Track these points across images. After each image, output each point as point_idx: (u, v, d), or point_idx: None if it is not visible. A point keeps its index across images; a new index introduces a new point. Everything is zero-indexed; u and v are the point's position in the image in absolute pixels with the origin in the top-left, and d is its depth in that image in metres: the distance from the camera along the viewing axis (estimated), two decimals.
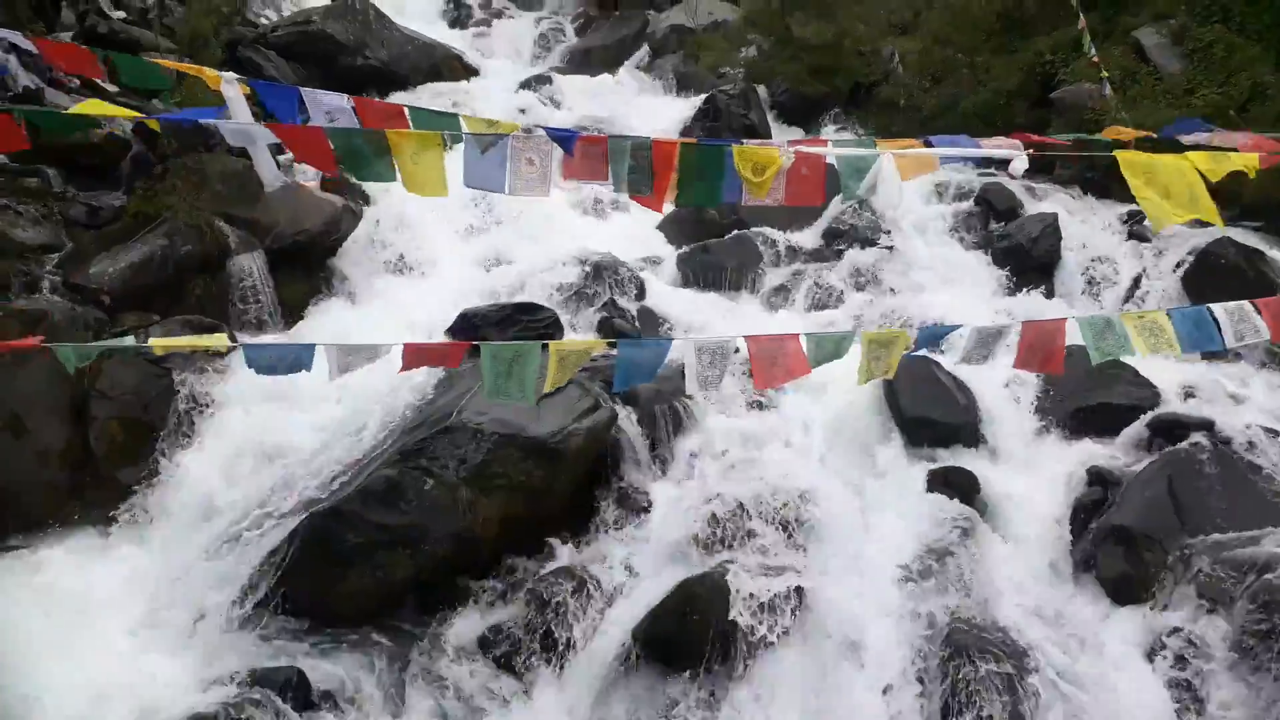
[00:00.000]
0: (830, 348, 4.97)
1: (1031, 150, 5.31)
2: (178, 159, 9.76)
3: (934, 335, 5.41)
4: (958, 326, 5.14)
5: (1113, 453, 7.10)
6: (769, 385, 5.63)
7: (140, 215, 9.32)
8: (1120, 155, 4.74)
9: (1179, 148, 5.43)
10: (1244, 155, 4.78)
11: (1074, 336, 5.16)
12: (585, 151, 4.81)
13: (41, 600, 6.36)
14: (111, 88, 12.26)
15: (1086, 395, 7.54)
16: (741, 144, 4.96)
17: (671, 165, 4.86)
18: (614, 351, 5.09)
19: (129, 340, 4.62)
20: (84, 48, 5.41)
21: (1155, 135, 5.18)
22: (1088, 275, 10.12)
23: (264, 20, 16.66)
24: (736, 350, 5.06)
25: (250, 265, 9.50)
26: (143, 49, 13.30)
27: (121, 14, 14.99)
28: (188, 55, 13.54)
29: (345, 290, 10.27)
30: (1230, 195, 10.93)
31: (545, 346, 4.87)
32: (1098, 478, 6.78)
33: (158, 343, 4.53)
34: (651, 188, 4.82)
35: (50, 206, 9.39)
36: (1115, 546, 6.17)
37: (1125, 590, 6.01)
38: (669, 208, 5.21)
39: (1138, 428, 7.20)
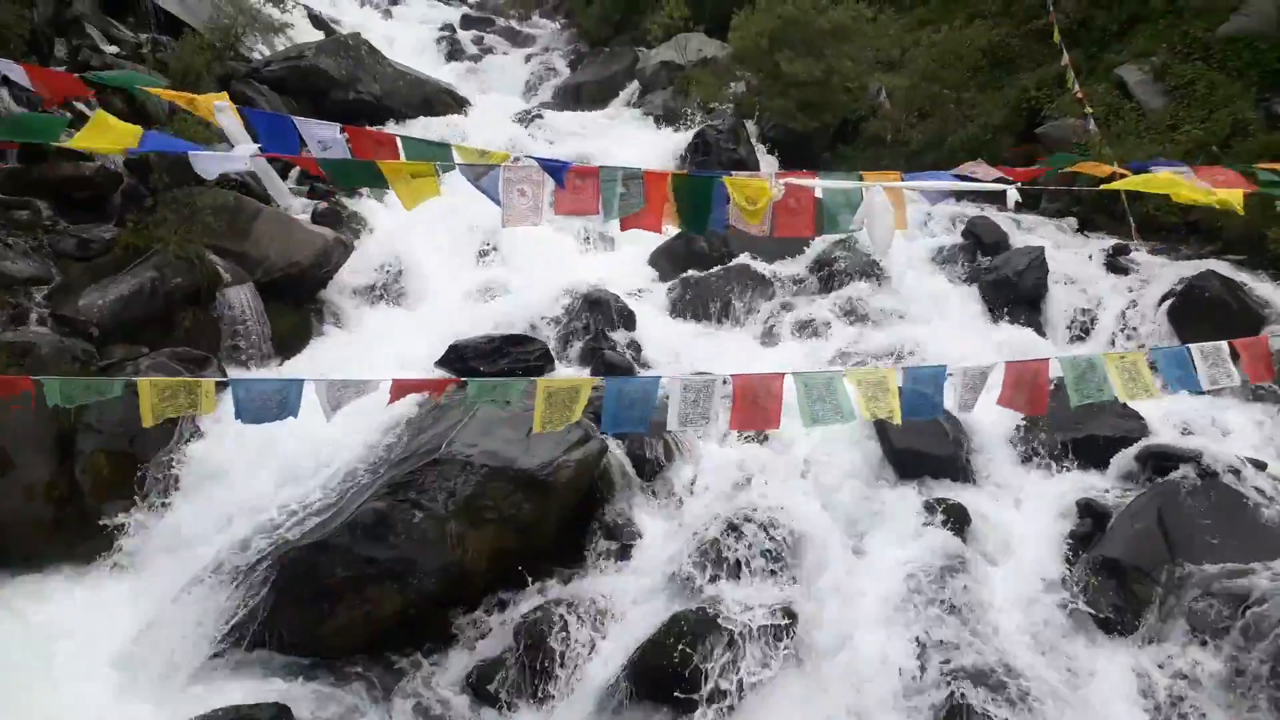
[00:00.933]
0: (820, 388, 4.95)
1: (1018, 184, 5.35)
2: (169, 192, 9.78)
3: (921, 375, 5.40)
4: (943, 368, 5.15)
5: (1102, 484, 7.12)
6: (745, 428, 5.55)
7: (130, 248, 9.32)
8: (1115, 186, 4.79)
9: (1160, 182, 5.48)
10: (1228, 191, 4.84)
11: (1058, 372, 5.20)
12: (576, 183, 4.83)
13: (21, 637, 6.28)
14: (91, 112, 12.32)
15: (1075, 427, 7.57)
16: (731, 175, 4.99)
17: (664, 195, 4.89)
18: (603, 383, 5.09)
19: (118, 382, 4.60)
20: (74, 75, 5.42)
21: (1125, 171, 5.22)
22: (1075, 308, 10.19)
23: (256, 55, 16.76)
24: (725, 381, 5.04)
25: (241, 298, 9.49)
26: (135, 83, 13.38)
27: (115, 49, 15.08)
28: (181, 89, 13.62)
29: (336, 322, 10.26)
30: (1212, 230, 11.10)
31: (533, 381, 4.87)
32: (1087, 509, 6.79)
33: (145, 382, 4.50)
34: (646, 217, 4.84)
35: (40, 239, 9.39)
36: (1106, 579, 6.17)
37: (1116, 622, 6.00)
38: (669, 229, 5.20)
39: (1126, 459, 7.23)
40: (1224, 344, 5.18)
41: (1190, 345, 5.22)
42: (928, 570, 6.40)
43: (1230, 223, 10.85)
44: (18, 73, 4.77)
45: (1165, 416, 7.72)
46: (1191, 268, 9.94)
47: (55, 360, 7.97)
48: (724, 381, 5.00)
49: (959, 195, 12.56)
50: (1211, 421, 7.68)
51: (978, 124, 14.75)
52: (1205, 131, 11.82)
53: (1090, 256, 10.99)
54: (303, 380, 4.78)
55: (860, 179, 5.37)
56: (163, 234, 9.34)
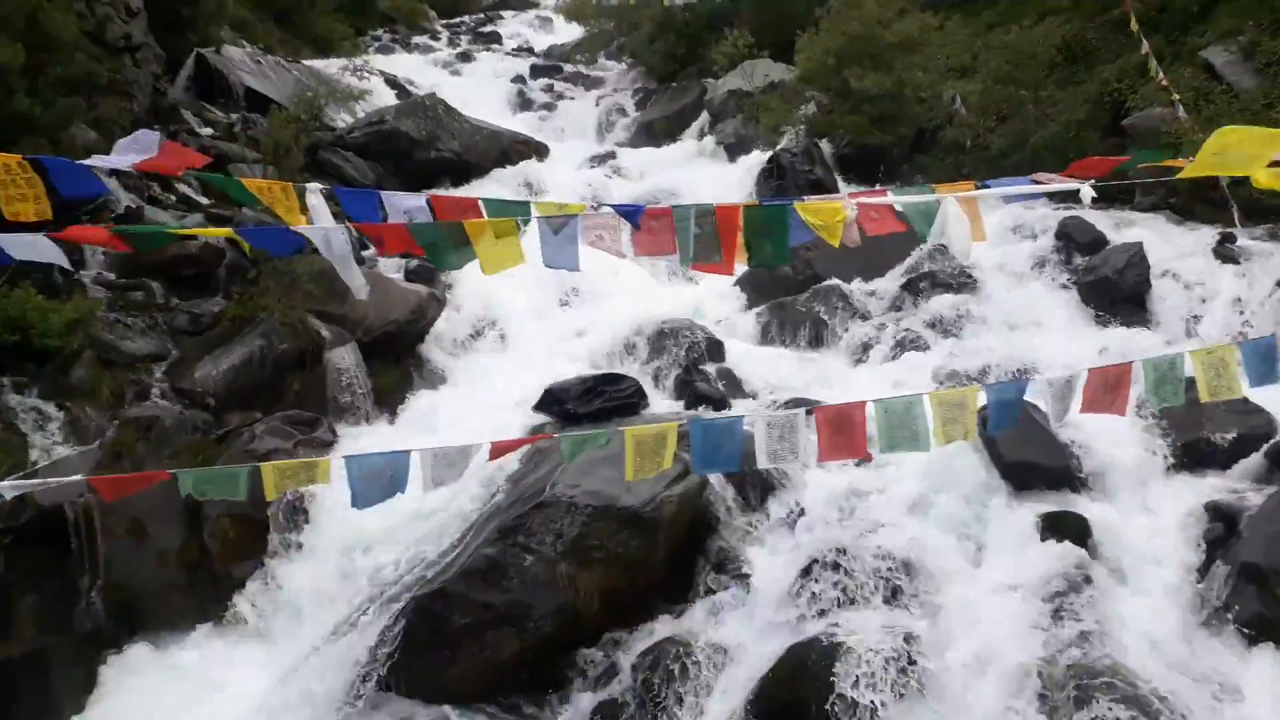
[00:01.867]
0: (900, 413, 4.89)
1: (1092, 181, 5.22)
2: (269, 262, 10.22)
3: (1005, 390, 5.28)
4: (1025, 383, 5.04)
5: (1230, 485, 6.81)
6: (833, 459, 5.51)
7: (238, 318, 9.77)
8: (1189, 174, 4.60)
9: None
10: None
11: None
12: (651, 225, 4.91)
13: (165, 695, 6.57)
14: (204, 200, 12.99)
15: (1195, 428, 7.27)
16: (803, 200, 5.02)
17: (736, 228, 4.93)
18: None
19: (242, 473, 4.86)
20: (186, 148, 5.77)
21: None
22: (1183, 303, 9.81)
23: (340, 123, 17.46)
24: (809, 413, 4.99)
25: (345, 358, 9.84)
26: (230, 161, 14.06)
27: (209, 130, 15.90)
28: (271, 163, 14.26)
29: (435, 375, 10.54)
30: None
31: (621, 430, 4.96)
32: (1217, 512, 6.50)
33: (268, 468, 4.75)
34: (719, 254, 4.89)
35: (155, 317, 9.92)
36: (1246, 585, 5.87)
37: (1261, 631, 5.70)
38: (740, 269, 5.24)
39: (1255, 458, 6.90)
40: None
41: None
42: (1051, 586, 6.19)
43: None
44: (150, 141, 4.98)
45: None
46: None
47: (177, 431, 8.39)
48: (807, 413, 4.98)
49: (1047, 197, 12.27)
50: None
51: (1059, 122, 14.37)
52: None
53: (1193, 250, 10.57)
54: (408, 452, 4.93)
55: (932, 191, 5.33)
56: (266, 303, 9.77)
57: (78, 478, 4.94)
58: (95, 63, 12.31)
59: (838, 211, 5.04)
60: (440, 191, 12.46)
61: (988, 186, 5.69)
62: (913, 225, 5.03)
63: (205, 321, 9.91)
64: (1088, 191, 5.60)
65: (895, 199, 5.04)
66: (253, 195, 5.86)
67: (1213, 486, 6.86)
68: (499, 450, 5.00)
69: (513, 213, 5.65)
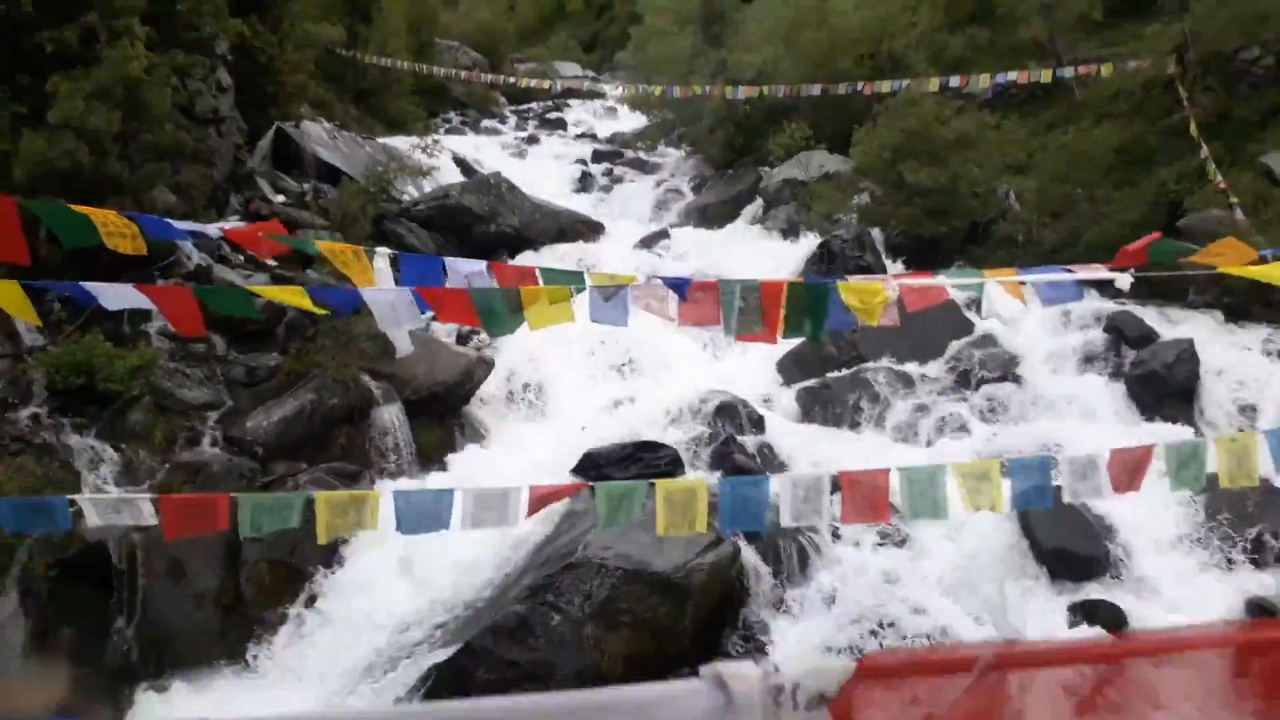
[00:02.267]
0: (923, 482, 4.92)
1: (1132, 270, 5.29)
2: (328, 321, 10.58)
3: (1028, 465, 5.27)
4: (1050, 456, 5.05)
5: (1274, 582, 6.62)
6: (855, 521, 5.58)
7: (293, 373, 10.10)
8: (1237, 272, 4.68)
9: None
10: None
11: None
12: (698, 296, 5.08)
13: None
14: (272, 261, 13.53)
15: (1241, 521, 7.09)
16: (845, 280, 5.15)
17: (779, 303, 5.07)
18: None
19: (297, 500, 5.04)
20: (270, 223, 6.11)
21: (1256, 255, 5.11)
22: (1232, 400, 9.65)
23: (407, 196, 18.15)
24: (835, 484, 5.03)
25: (391, 416, 10.08)
26: (300, 227, 14.67)
27: (281, 198, 16.65)
28: (339, 230, 14.86)
29: (478, 434, 10.72)
30: None
31: (652, 484, 5.03)
32: (1259, 609, 6.30)
33: (321, 498, 4.92)
34: (761, 325, 5.03)
35: (214, 368, 10.29)
36: None
37: None
38: (783, 341, 5.36)
39: None
40: None
41: None
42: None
43: None
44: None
45: None
46: None
47: (224, 477, 8.63)
48: (832, 477, 5.03)
49: (1097, 291, 12.23)
50: None
51: (1114, 221, 14.39)
52: None
53: (1247, 347, 10.43)
54: (452, 490, 5.07)
55: (980, 274, 5.43)
56: (321, 359, 10.09)
57: (146, 495, 5.11)
58: (183, 132, 13.05)
59: (878, 293, 5.17)
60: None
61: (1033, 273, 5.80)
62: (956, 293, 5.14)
63: (261, 374, 10.25)
64: (1124, 279, 5.68)
65: (940, 280, 5.15)
66: (316, 253, 6.16)
67: (1258, 584, 6.65)
68: (537, 496, 5.10)
69: (567, 281, 5.87)
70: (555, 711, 1.21)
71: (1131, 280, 5.69)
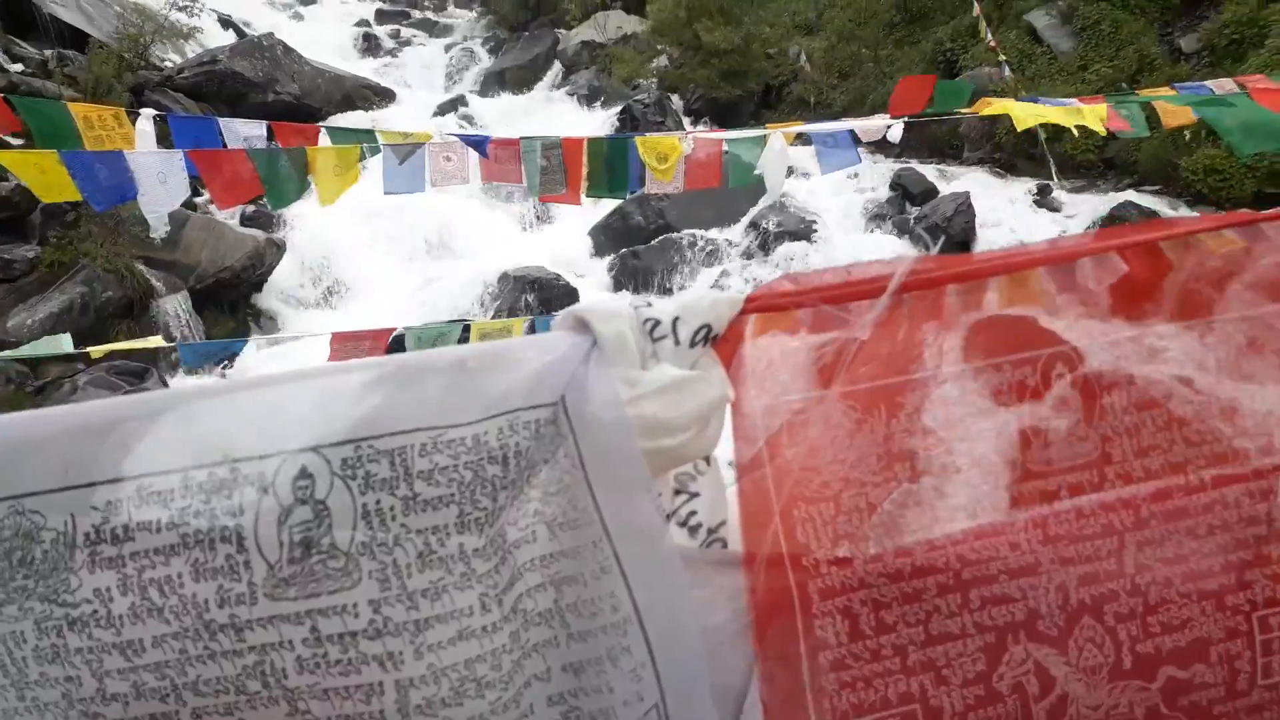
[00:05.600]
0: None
1: (905, 119, 5.57)
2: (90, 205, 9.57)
3: None
4: None
5: None
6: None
7: (56, 265, 9.13)
8: (1008, 107, 4.99)
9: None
10: (1091, 107, 5.09)
11: None
12: (499, 154, 4.92)
13: None
14: (15, 141, 12.00)
15: None
16: (644, 136, 5.15)
17: (581, 161, 5.01)
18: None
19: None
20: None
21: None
22: (1005, 246, 10.46)
23: (168, 64, 16.39)
24: None
25: (175, 307, 9.35)
26: (41, 99, 13.02)
27: (19, 67, 14.66)
28: (93, 102, 13.30)
29: (275, 327, 10.15)
30: (1127, 165, 11.47)
31: (467, 327, 4.94)
32: None
33: (97, 350, 4.48)
34: (565, 185, 4.96)
35: None
36: None
37: None
38: (590, 207, 5.33)
39: None
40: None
41: None
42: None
43: (1142, 157, 11.22)
44: None
45: None
46: (1111, 201, 10.26)
47: None
48: None
49: (882, 154, 12.82)
50: None
51: (896, 80, 14.99)
52: (1114, 69, 12.18)
53: (1014, 199, 11.27)
54: (247, 340, 4.77)
55: (764, 130, 5.54)
56: (89, 248, 9.17)
57: None
58: None
59: (675, 148, 5.21)
60: None
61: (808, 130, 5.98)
62: (736, 164, 5.22)
63: (19, 268, 9.22)
64: (896, 131, 5.96)
65: (726, 134, 5.20)
66: (73, 125, 5.48)
67: None
68: (340, 341, 4.88)
69: (357, 140, 5.51)
70: (405, 369, 1.04)
71: (902, 131, 5.98)
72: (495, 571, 1.00)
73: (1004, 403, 1.02)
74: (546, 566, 1.03)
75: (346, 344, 4.80)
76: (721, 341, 1.06)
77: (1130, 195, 10.47)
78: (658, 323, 1.05)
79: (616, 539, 1.02)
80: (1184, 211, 10.25)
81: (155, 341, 4.58)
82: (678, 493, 1.11)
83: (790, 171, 11.86)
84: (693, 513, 1.11)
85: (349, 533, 0.97)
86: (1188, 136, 10.98)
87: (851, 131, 5.81)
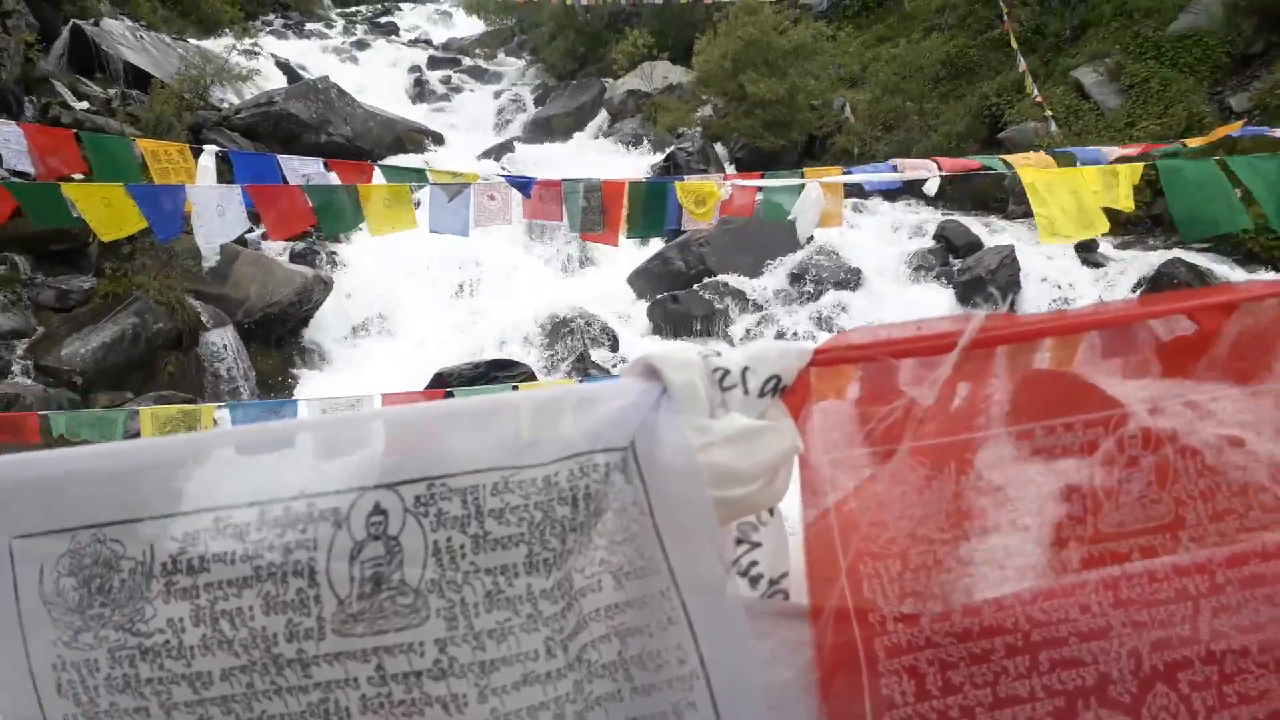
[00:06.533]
0: None
1: (944, 172, 5.57)
2: (146, 239, 9.82)
3: None
4: None
5: None
6: None
7: (110, 296, 9.36)
8: (1022, 171, 4.99)
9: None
10: (1127, 167, 5.05)
11: None
12: (542, 194, 5.02)
13: None
14: (78, 177, 12.37)
15: None
16: (682, 179, 5.23)
17: (621, 202, 5.09)
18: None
19: (120, 414, 4.65)
20: (61, 129, 5.51)
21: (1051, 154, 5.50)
22: (1050, 301, 10.37)
23: (226, 104, 16.88)
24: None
25: (223, 341, 9.53)
26: (106, 135, 13.44)
27: (84, 104, 15.17)
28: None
29: (320, 360, 10.30)
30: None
31: (515, 387, 4.98)
32: None
33: (147, 412, 4.57)
34: (604, 225, 5.03)
35: (19, 292, 9.42)
36: None
37: None
38: (631, 253, 5.40)
39: None
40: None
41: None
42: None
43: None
44: (12, 131, 4.81)
45: None
46: (1159, 258, 10.15)
47: (40, 410, 7.96)
48: None
49: (928, 203, 12.82)
50: None
51: (941, 133, 15.03)
52: (1162, 126, 12.11)
53: (1059, 254, 11.18)
54: (296, 401, 4.84)
55: (802, 176, 5.59)
56: (142, 280, 9.39)
57: None
58: None
59: (713, 192, 5.28)
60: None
61: (852, 174, 6.02)
62: (770, 205, 5.27)
63: (74, 298, 9.46)
64: (933, 184, 5.97)
65: (764, 182, 5.26)
66: (135, 167, 5.65)
67: None
68: (391, 402, 4.95)
69: (407, 179, 5.64)
70: (479, 410, 1.04)
71: (938, 183, 5.99)
72: (561, 616, 1.00)
73: (1074, 463, 1.02)
74: (611, 617, 1.03)
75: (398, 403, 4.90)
76: (790, 392, 1.06)
77: (1179, 253, 10.35)
78: (727, 372, 1.06)
79: (684, 588, 1.01)
80: (1235, 270, 10.11)
81: (208, 411, 4.65)
82: (739, 542, 1.11)
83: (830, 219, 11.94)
84: (754, 563, 1.11)
85: (419, 569, 0.98)
86: (1239, 194, 10.89)
87: (894, 166, 5.86)
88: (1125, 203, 5.12)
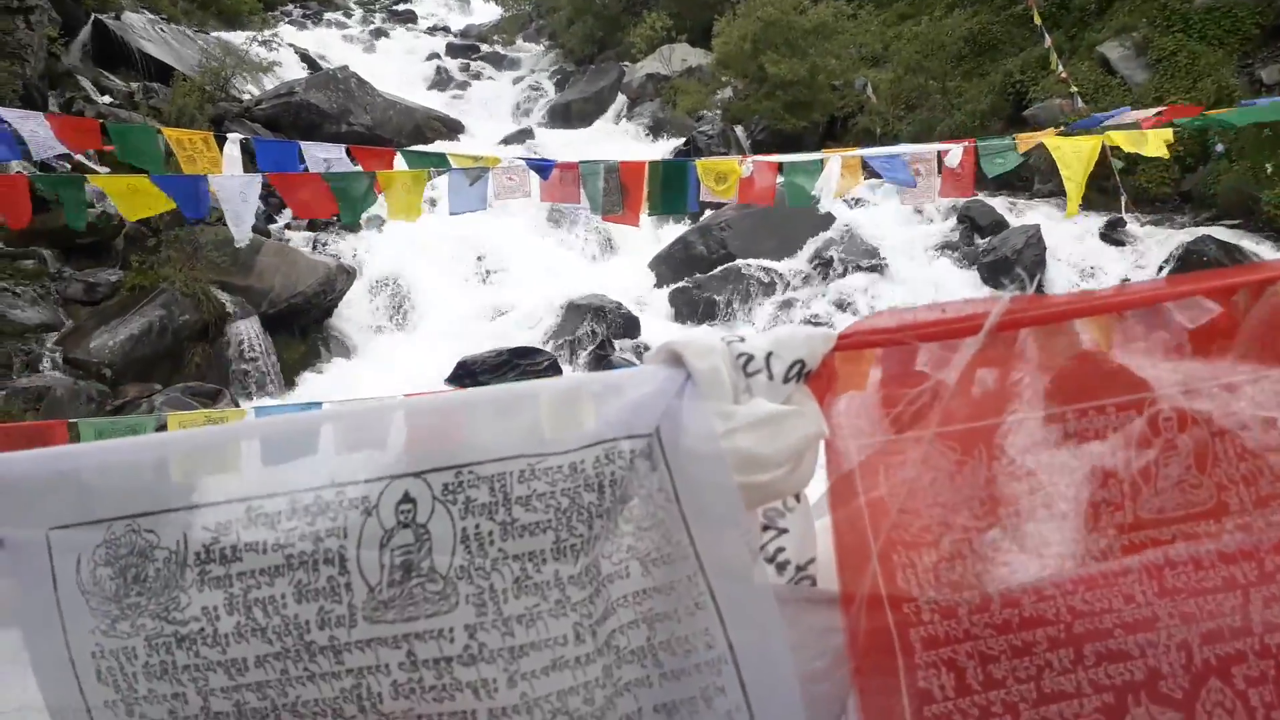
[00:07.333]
0: None
1: (967, 145, 5.52)
2: (171, 230, 9.91)
3: None
4: None
5: None
6: None
7: (137, 288, 9.45)
8: (1048, 141, 4.94)
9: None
10: (1156, 132, 4.98)
11: None
12: (561, 177, 5.03)
13: None
14: (103, 169, 12.50)
15: None
16: (704, 159, 5.23)
17: (641, 184, 5.08)
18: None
19: (149, 421, 4.71)
20: (86, 119, 5.57)
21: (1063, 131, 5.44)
22: (1075, 281, 10.26)
23: (246, 95, 16.96)
24: None
25: (248, 331, 9.60)
26: (136, 125, 13.55)
27: (107, 98, 15.28)
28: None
29: (345, 349, 10.37)
30: (1205, 198, 11.19)
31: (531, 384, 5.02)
32: None
33: (174, 417, 4.63)
34: (623, 206, 5.03)
35: (47, 286, 9.53)
36: None
37: None
38: (653, 239, 5.40)
39: None
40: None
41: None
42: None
43: (1221, 190, 10.94)
44: (39, 123, 4.87)
45: None
46: (1188, 235, 10.01)
47: (70, 402, 8.08)
48: None
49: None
50: None
51: (964, 111, 14.86)
52: (1191, 100, 11.89)
53: (1086, 233, 11.06)
54: (319, 405, 4.89)
55: (821, 155, 5.56)
56: (168, 272, 9.48)
57: None
58: None
59: (734, 169, 5.26)
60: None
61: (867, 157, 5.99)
62: (791, 186, 5.25)
63: (102, 291, 9.57)
64: (954, 157, 5.91)
65: (786, 157, 5.24)
66: (160, 156, 5.69)
67: None
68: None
69: (429, 163, 5.67)
70: (505, 399, 1.05)
71: (960, 158, 5.93)
72: (589, 602, 1.00)
73: (1109, 447, 1.00)
74: (639, 603, 1.03)
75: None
76: (814, 377, 1.05)
77: (1208, 230, 10.20)
78: (751, 357, 1.05)
79: (711, 573, 1.01)
80: (1265, 248, 9.96)
81: (236, 414, 4.71)
82: (765, 528, 1.10)
83: (857, 202, 11.84)
84: (781, 549, 1.10)
85: (448, 557, 0.98)
86: (1269, 170, 10.70)
87: (898, 160, 5.82)
88: (1159, 149, 5.04)
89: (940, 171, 5.94)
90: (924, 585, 0.97)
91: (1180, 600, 0.95)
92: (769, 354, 1.05)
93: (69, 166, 11.32)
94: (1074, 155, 4.99)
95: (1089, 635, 0.95)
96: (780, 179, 5.36)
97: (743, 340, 1.08)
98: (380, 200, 4.82)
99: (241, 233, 5.24)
